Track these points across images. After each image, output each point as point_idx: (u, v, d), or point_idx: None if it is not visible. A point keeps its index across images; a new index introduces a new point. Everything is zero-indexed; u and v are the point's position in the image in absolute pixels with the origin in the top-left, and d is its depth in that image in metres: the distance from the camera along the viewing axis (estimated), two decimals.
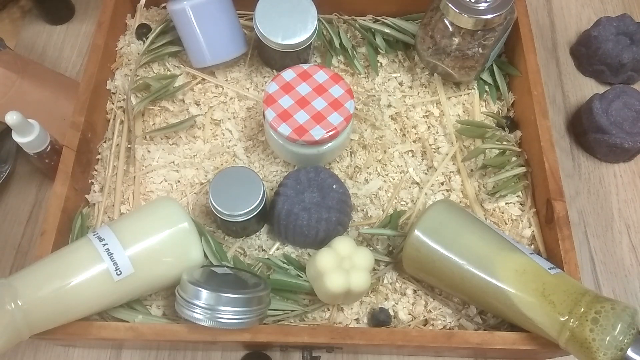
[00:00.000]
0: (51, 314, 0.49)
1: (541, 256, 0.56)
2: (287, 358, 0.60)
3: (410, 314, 0.59)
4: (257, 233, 0.62)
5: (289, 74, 0.62)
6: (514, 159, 0.65)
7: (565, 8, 0.85)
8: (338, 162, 0.67)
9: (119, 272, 0.50)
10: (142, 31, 0.73)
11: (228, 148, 0.67)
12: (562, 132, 0.75)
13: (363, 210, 0.64)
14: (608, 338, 0.46)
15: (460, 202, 0.65)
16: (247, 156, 0.67)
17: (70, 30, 0.82)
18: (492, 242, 0.54)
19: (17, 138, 0.59)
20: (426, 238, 0.54)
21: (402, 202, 0.65)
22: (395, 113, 0.70)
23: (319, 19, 0.68)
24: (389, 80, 0.72)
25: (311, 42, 0.68)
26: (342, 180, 0.62)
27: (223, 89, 0.71)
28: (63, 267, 0.50)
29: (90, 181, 0.65)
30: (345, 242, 0.54)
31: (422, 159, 0.68)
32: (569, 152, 0.74)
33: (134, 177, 0.65)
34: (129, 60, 0.72)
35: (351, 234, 0.63)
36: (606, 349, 0.46)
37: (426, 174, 0.67)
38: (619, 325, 0.46)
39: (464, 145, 0.68)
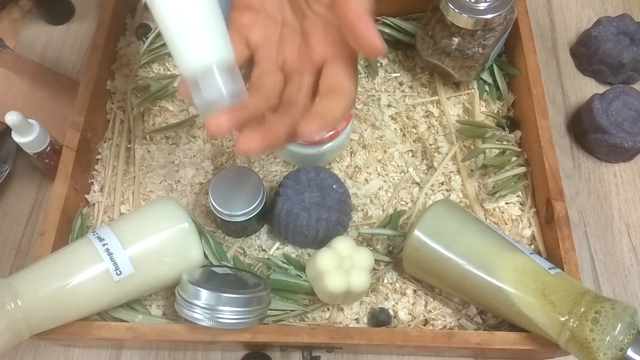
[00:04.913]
0: (51, 314, 0.49)
1: (541, 256, 0.56)
2: (287, 358, 0.60)
3: (410, 314, 0.59)
4: (257, 233, 0.62)
5: None
6: (514, 158, 0.65)
7: (565, 8, 0.85)
8: (338, 162, 0.67)
9: (119, 272, 0.50)
10: (142, 31, 0.73)
11: (228, 148, 0.67)
12: (562, 132, 0.75)
13: (363, 210, 0.64)
14: (608, 338, 0.46)
15: (460, 202, 0.65)
16: (247, 156, 0.67)
17: (70, 30, 0.82)
18: (492, 242, 0.53)
19: (17, 138, 0.59)
20: (426, 238, 0.54)
21: (402, 202, 0.65)
22: (395, 113, 0.70)
23: None
24: (389, 80, 0.72)
25: None
26: (342, 180, 0.62)
27: None
28: (63, 267, 0.50)
29: (90, 181, 0.65)
30: (345, 242, 0.54)
31: (422, 159, 0.68)
32: (569, 152, 0.74)
33: (134, 177, 0.65)
34: (129, 60, 0.72)
35: (351, 234, 0.63)
36: (606, 349, 0.46)
37: (426, 174, 0.66)
38: (619, 325, 0.46)
39: (464, 145, 0.68)
